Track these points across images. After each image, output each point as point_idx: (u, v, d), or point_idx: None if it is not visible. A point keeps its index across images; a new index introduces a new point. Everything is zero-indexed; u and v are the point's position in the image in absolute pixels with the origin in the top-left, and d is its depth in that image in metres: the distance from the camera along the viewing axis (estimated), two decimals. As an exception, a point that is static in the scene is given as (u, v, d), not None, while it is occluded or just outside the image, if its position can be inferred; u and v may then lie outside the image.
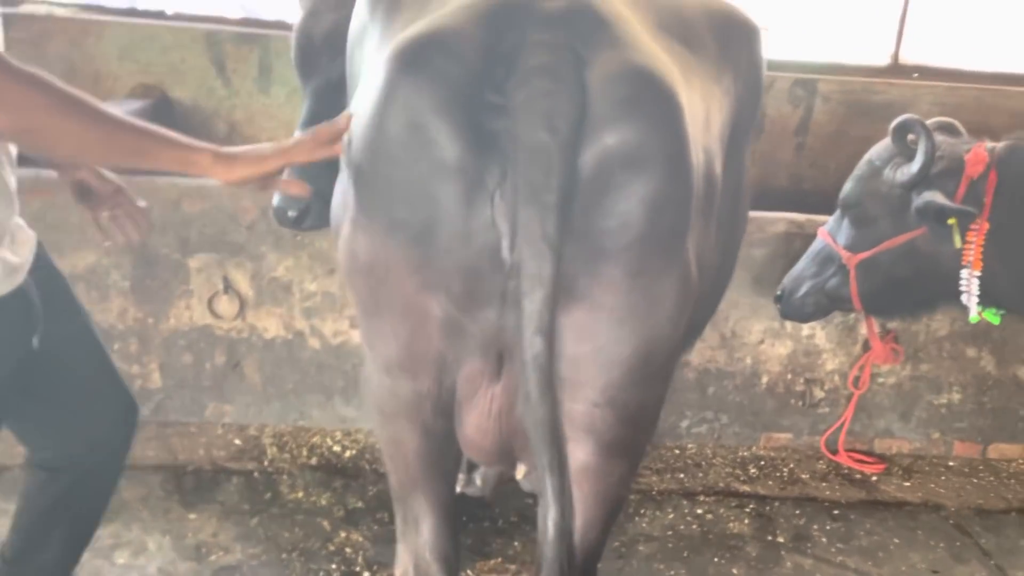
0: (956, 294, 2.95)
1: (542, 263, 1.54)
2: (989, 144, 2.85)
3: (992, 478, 4.10)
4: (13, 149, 2.12)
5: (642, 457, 1.99)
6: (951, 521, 3.70)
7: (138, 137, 1.83)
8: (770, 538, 3.48)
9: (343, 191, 1.96)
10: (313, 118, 3.19)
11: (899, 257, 3.01)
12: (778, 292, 3.40)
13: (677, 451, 4.04)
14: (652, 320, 1.73)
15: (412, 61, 1.63)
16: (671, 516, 3.55)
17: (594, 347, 1.72)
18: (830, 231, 3.21)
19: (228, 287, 3.79)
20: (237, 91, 4.70)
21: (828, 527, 3.58)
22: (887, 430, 4.20)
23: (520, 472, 3.31)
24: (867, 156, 3.06)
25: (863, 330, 3.98)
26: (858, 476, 4.00)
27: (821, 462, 4.07)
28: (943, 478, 4.06)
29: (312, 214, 3.21)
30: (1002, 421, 4.22)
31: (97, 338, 2.53)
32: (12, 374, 2.18)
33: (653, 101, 1.60)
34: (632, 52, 1.62)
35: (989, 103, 4.96)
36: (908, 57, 5.06)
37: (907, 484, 3.98)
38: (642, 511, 3.57)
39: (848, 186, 3.09)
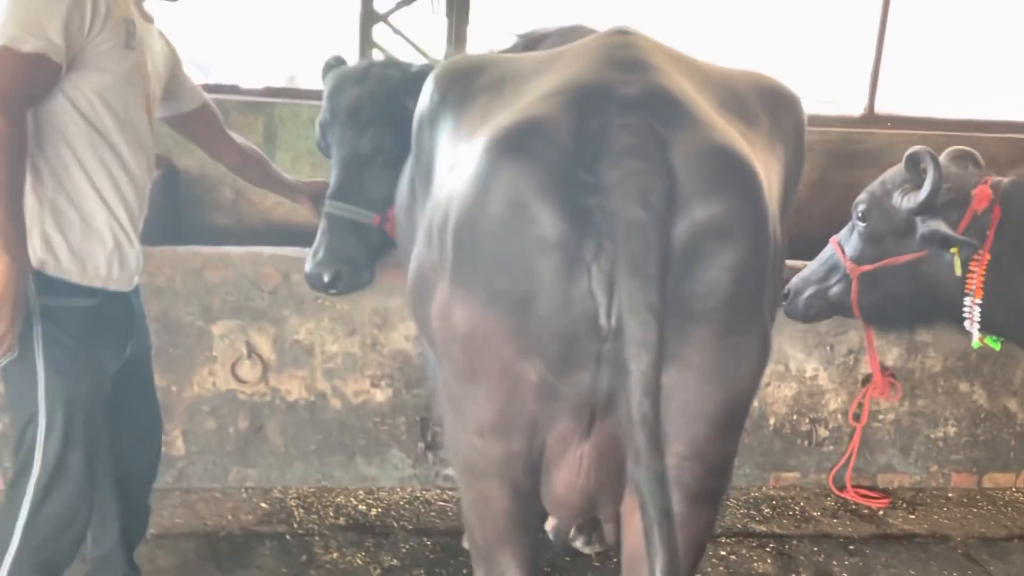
0: (951, 315, 3.13)
1: (648, 330, 1.65)
2: (995, 179, 3.05)
3: (990, 507, 4.28)
4: (149, 139, 2.62)
5: (722, 504, 2.10)
6: (959, 551, 3.86)
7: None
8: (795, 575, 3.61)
9: (424, 264, 2.07)
10: (341, 188, 3.32)
11: (900, 275, 3.20)
12: (784, 291, 3.57)
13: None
14: (736, 376, 1.85)
15: (514, 147, 1.77)
16: None
17: (683, 403, 1.83)
18: (840, 241, 3.39)
19: (251, 352, 3.85)
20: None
21: (847, 562, 3.71)
22: (888, 465, 4.37)
23: (549, 524, 3.43)
24: (881, 178, 3.25)
25: (863, 369, 4.16)
26: (866, 511, 4.15)
27: (829, 499, 4.22)
28: (945, 509, 4.23)
29: (343, 279, 3.33)
30: (995, 451, 4.42)
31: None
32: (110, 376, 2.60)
33: (737, 177, 1.75)
34: (711, 131, 1.77)
35: (959, 149, 5.24)
36: (882, 107, 5.34)
37: (912, 516, 4.14)
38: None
39: (860, 200, 3.29)
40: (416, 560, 3.54)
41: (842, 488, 4.23)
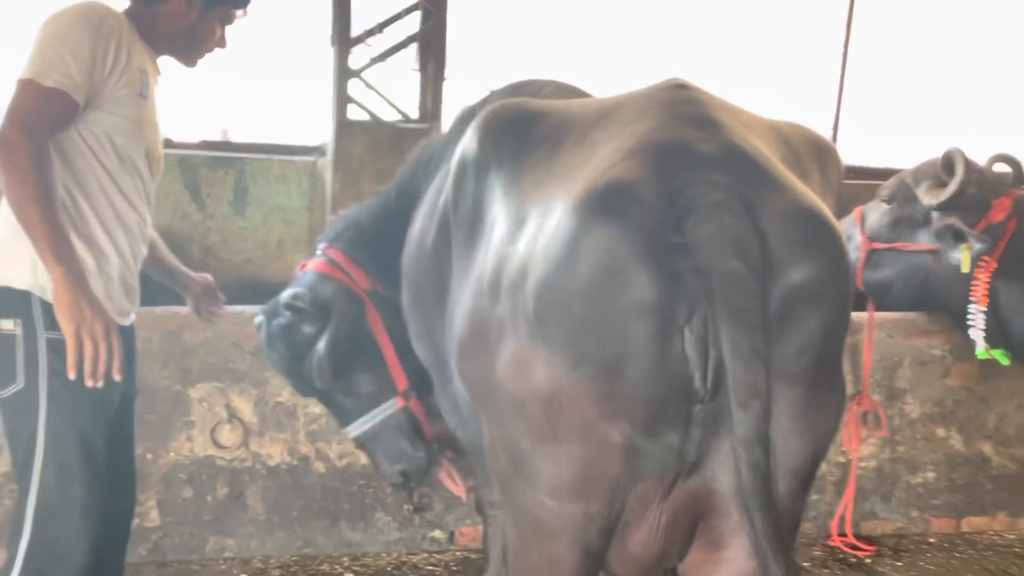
0: (953, 317, 3.23)
1: (756, 377, 1.63)
2: (1021, 194, 3.16)
3: (971, 551, 4.32)
4: (150, 185, 2.68)
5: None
6: (950, 597, 3.89)
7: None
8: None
9: (486, 319, 2.00)
10: (341, 416, 3.19)
11: (907, 262, 3.33)
12: None
13: None
14: (821, 432, 1.86)
15: (607, 210, 1.74)
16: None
17: (772, 464, 1.78)
18: (863, 212, 3.47)
19: (232, 415, 3.71)
20: (212, 214, 4.68)
21: (845, 613, 3.70)
22: (871, 512, 4.40)
23: None
24: (915, 167, 3.37)
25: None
26: (853, 559, 4.15)
27: (815, 548, 4.21)
28: (928, 555, 4.26)
29: (411, 475, 3.19)
30: (972, 496, 4.49)
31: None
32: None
33: (827, 241, 1.76)
34: (796, 194, 1.78)
35: (917, 198, 5.41)
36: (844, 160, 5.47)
37: (899, 564, 4.16)
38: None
39: (889, 183, 3.38)
40: (412, 629, 3.42)
41: (830, 536, 4.23)
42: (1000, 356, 3.20)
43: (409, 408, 3.13)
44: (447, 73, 4.75)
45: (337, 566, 3.83)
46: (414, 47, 4.76)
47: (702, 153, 1.77)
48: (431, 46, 4.74)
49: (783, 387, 1.73)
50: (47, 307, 2.37)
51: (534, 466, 1.91)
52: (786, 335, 1.72)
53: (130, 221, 2.59)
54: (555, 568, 1.97)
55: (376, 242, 3.11)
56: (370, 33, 4.62)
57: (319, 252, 3.21)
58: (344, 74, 4.66)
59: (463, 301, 2.16)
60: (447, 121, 4.95)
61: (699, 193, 1.70)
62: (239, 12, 2.77)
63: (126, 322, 2.65)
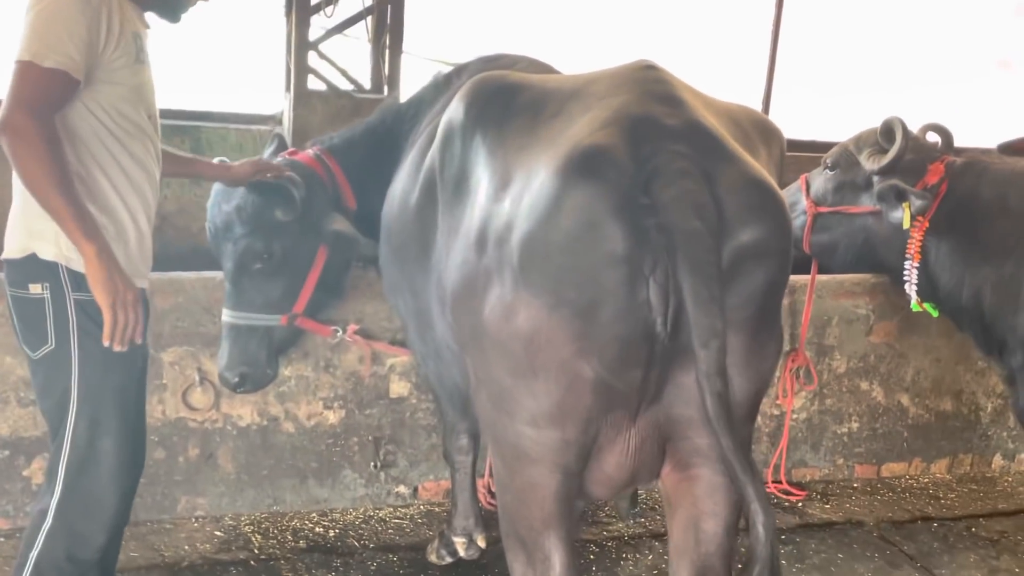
0: (892, 277, 3.56)
1: (714, 319, 1.88)
2: (952, 160, 3.48)
3: (891, 494, 4.71)
4: (157, 142, 2.76)
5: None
6: (875, 534, 4.25)
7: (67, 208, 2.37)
8: (739, 565, 3.87)
9: (474, 270, 2.20)
10: (236, 298, 3.43)
11: (850, 225, 3.67)
12: None
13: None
14: (762, 370, 2.15)
15: (587, 171, 1.96)
16: (650, 557, 3.88)
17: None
18: (808, 178, 3.76)
19: (203, 378, 3.80)
20: (168, 183, 4.70)
21: (783, 550, 4.01)
22: (801, 460, 4.74)
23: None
24: (856, 135, 3.68)
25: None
26: (787, 503, 4.49)
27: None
28: (853, 498, 4.63)
29: (250, 379, 3.48)
30: (891, 444, 4.88)
31: None
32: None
33: (773, 207, 2.03)
34: (747, 166, 2.03)
35: (840, 169, 5.78)
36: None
37: (827, 506, 4.51)
38: (624, 555, 3.87)
39: (833, 151, 3.69)
40: (386, 576, 3.60)
41: (765, 483, 4.56)
42: (931, 308, 3.53)
43: (284, 328, 3.45)
44: (404, 46, 4.87)
45: (307, 521, 3.98)
46: (370, 19, 4.85)
47: (668, 126, 2.01)
48: (388, 18, 4.85)
49: (731, 332, 1.97)
50: (72, 272, 2.48)
51: (516, 399, 2.14)
52: (734, 287, 1.99)
53: (143, 185, 2.68)
54: (537, 491, 2.20)
55: (362, 160, 3.36)
56: (328, 2, 4.69)
57: (311, 150, 3.39)
58: (303, 45, 4.73)
59: (452, 254, 2.36)
60: (405, 92, 5.09)
61: (665, 160, 1.94)
62: None
63: (144, 284, 2.76)
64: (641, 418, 2.16)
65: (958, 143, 3.84)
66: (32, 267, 2.52)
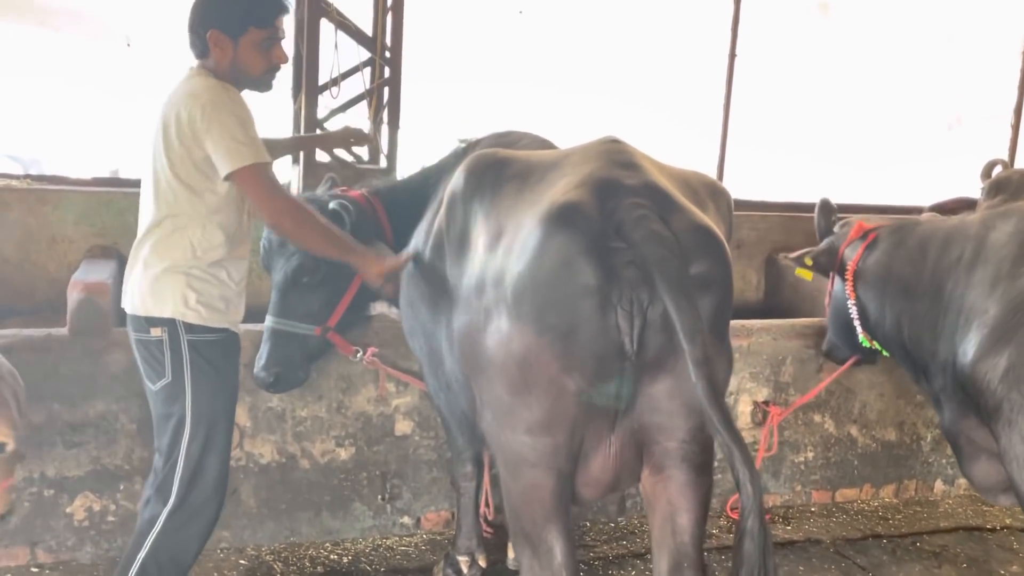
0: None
1: (695, 320, 2.37)
2: (869, 226, 4.19)
3: (844, 516, 5.21)
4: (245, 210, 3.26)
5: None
6: (831, 551, 4.74)
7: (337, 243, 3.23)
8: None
9: (476, 310, 2.71)
10: (279, 306, 3.91)
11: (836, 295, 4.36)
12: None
13: (616, 524, 4.85)
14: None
15: (563, 222, 2.50)
16: (632, 573, 4.33)
17: (681, 403, 2.58)
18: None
19: (229, 420, 4.21)
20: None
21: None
22: (764, 487, 5.23)
23: (511, 552, 4.02)
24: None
25: (739, 407, 5.03)
26: (752, 526, 4.96)
27: (720, 519, 5.01)
28: (811, 520, 5.12)
29: (283, 379, 3.93)
30: (843, 471, 5.39)
31: None
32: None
33: (716, 245, 2.57)
34: (693, 214, 2.58)
35: (789, 226, 6.40)
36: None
37: (789, 528, 5.00)
38: (609, 572, 4.32)
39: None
40: (400, 595, 4.00)
41: (734, 509, 5.04)
42: (880, 346, 4.14)
43: (316, 339, 3.92)
44: (401, 122, 5.43)
45: (322, 551, 4.37)
46: (371, 99, 5.41)
47: (628, 185, 2.57)
48: (386, 98, 5.40)
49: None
50: (186, 323, 3.05)
51: (515, 413, 2.63)
52: None
53: (243, 250, 3.25)
54: (538, 491, 2.66)
55: (400, 205, 3.90)
56: (334, 83, 5.24)
57: (361, 190, 3.97)
58: (311, 123, 5.26)
59: (459, 300, 2.88)
60: (402, 163, 5.63)
61: (627, 210, 2.47)
62: (271, 29, 3.14)
63: (238, 328, 3.30)
64: (618, 426, 2.63)
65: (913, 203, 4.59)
66: (153, 319, 3.08)
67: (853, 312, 4.12)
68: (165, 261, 3.09)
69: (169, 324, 3.06)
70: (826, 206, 4.46)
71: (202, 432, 3.10)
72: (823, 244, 4.34)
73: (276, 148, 3.77)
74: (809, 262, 4.31)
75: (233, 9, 3.10)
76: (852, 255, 4.11)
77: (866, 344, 4.21)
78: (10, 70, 5.49)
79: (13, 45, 5.53)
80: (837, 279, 4.27)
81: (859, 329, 4.14)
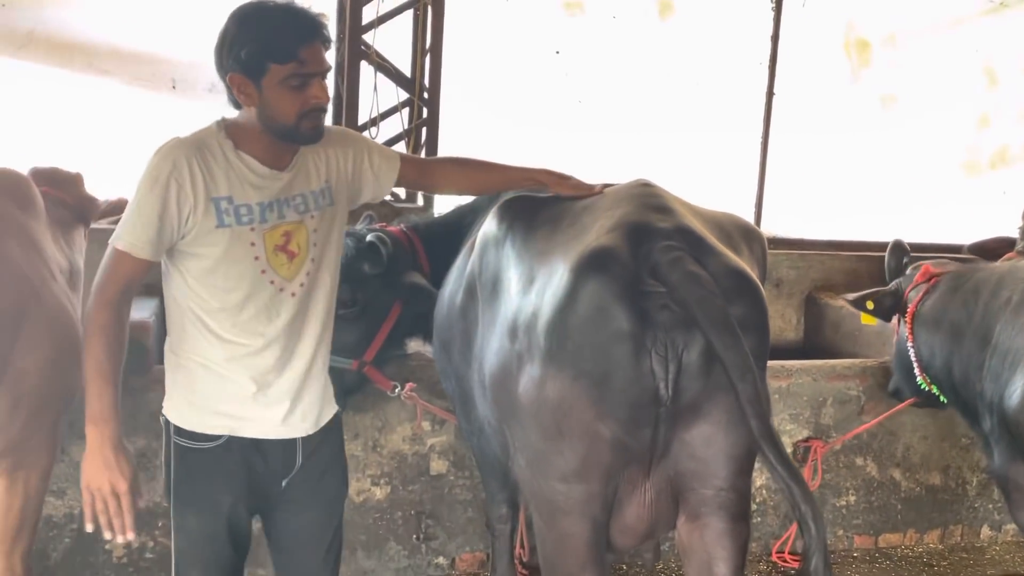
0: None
1: (744, 358, 2.33)
2: (936, 270, 4.18)
3: (888, 563, 5.10)
4: (271, 297, 2.73)
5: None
6: (874, 598, 4.65)
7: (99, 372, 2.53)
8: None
9: (508, 355, 2.67)
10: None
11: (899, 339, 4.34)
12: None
13: (653, 568, 4.79)
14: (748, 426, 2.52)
15: (596, 267, 2.47)
16: (668, 617, 4.27)
17: (717, 449, 2.53)
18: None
19: (266, 458, 4.23)
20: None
21: (792, 612, 4.41)
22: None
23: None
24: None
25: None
26: (792, 572, 4.88)
27: (762, 563, 4.92)
28: (853, 566, 5.02)
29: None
30: (886, 515, 5.27)
31: None
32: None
33: (751, 290, 2.52)
34: (728, 258, 2.55)
35: (828, 265, 6.33)
36: (765, 230, 6.38)
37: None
38: (646, 617, 4.26)
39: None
40: (433, 637, 3.97)
41: (771, 553, 4.96)
42: (936, 390, 4.10)
43: (353, 373, 3.84)
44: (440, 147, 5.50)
45: (356, 590, 4.36)
46: (408, 140, 5.47)
47: (661, 228, 2.52)
48: (423, 139, 5.47)
49: (720, 394, 2.43)
50: (176, 427, 2.74)
51: (548, 460, 2.57)
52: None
53: (240, 355, 2.71)
54: (572, 540, 2.61)
55: (437, 241, 3.87)
56: (373, 123, 5.32)
57: (399, 226, 3.97)
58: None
59: (491, 344, 2.84)
60: (440, 203, 5.68)
61: (661, 253, 2.44)
62: (295, 63, 2.50)
63: (258, 434, 2.78)
64: (654, 473, 2.58)
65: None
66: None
67: (912, 354, 4.09)
68: None
69: (167, 424, 2.82)
70: (898, 247, 4.44)
71: (181, 544, 2.86)
72: (891, 286, 4.37)
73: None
74: (871, 305, 4.27)
75: (246, 46, 2.47)
76: (914, 298, 4.13)
77: (924, 387, 4.16)
78: (57, 112, 5.61)
79: (60, 88, 5.66)
80: (900, 322, 4.25)
81: (918, 372, 4.11)
